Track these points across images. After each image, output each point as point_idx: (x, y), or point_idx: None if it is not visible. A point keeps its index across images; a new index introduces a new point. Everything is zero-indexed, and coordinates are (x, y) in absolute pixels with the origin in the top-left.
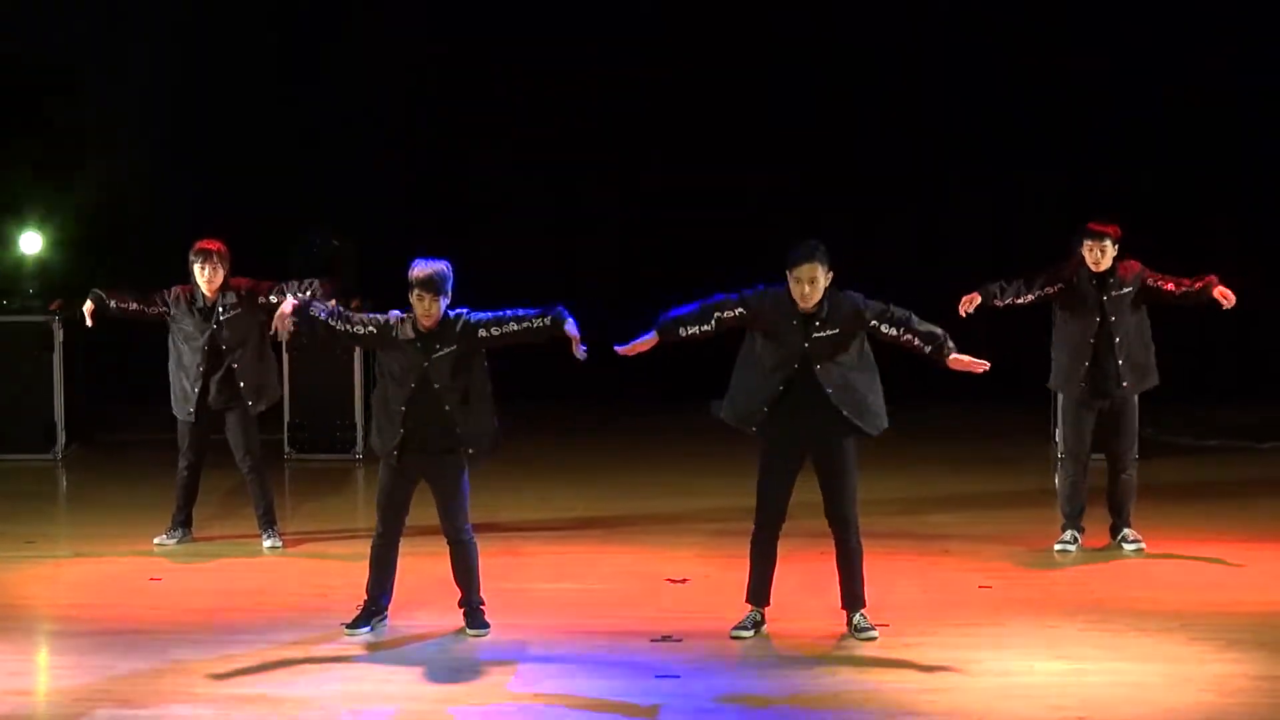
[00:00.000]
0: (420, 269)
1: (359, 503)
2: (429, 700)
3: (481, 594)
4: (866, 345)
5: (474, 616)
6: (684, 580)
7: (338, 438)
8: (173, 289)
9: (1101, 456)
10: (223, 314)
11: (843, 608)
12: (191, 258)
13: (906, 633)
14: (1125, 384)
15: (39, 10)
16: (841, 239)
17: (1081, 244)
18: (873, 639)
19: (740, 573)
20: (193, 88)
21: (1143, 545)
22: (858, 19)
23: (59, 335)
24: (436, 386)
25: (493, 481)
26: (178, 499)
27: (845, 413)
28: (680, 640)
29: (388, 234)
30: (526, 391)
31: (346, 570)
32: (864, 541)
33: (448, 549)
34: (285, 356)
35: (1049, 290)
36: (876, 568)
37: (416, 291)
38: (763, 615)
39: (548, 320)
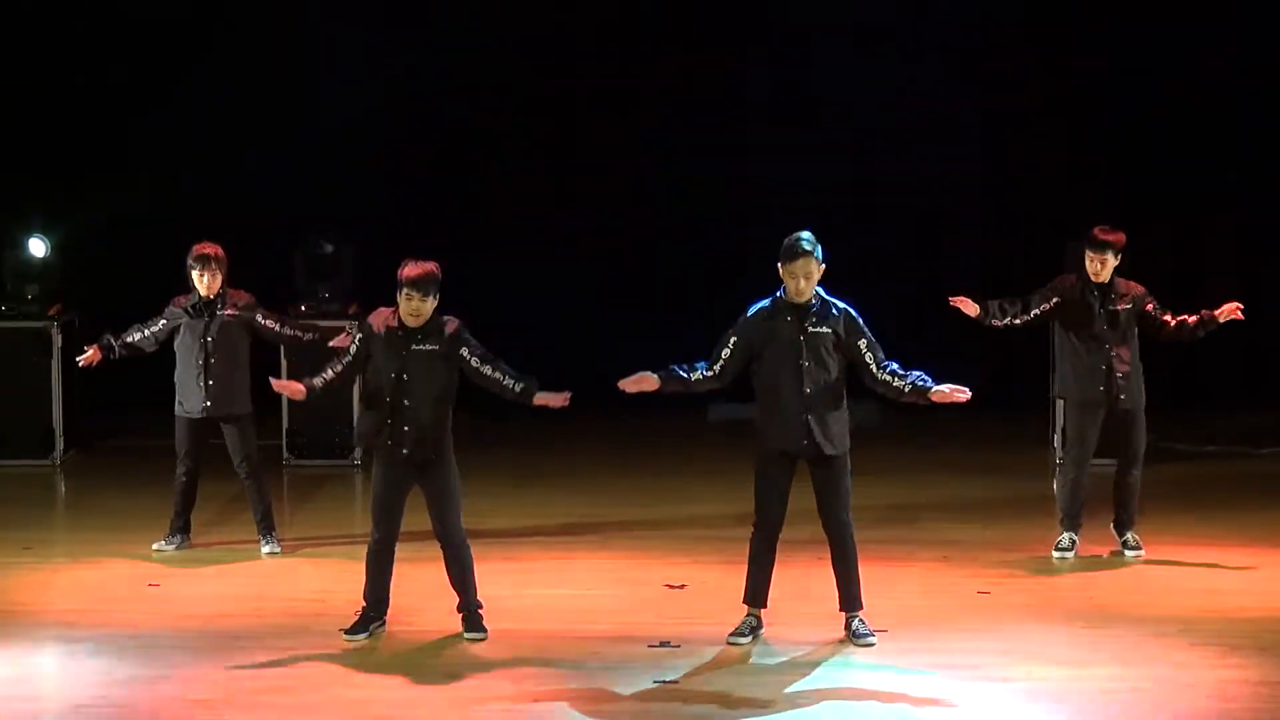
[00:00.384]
0: (411, 269)
1: (357, 508)
2: (428, 705)
3: (479, 598)
4: (843, 374)
5: (472, 620)
6: (682, 586)
7: (336, 444)
8: (175, 301)
9: (1102, 462)
10: (219, 310)
11: (841, 610)
12: (190, 263)
13: (905, 638)
14: (1130, 403)
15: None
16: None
17: (1083, 252)
18: (871, 645)
19: (738, 578)
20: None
21: (1142, 552)
22: None
23: (57, 340)
24: (407, 378)
25: (490, 487)
26: (176, 504)
27: (810, 420)
28: (678, 645)
29: (387, 237)
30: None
31: (345, 575)
32: (863, 547)
33: (442, 554)
34: (284, 363)
35: (1045, 308)
36: (875, 573)
37: (406, 291)
38: (760, 618)
39: (519, 389)
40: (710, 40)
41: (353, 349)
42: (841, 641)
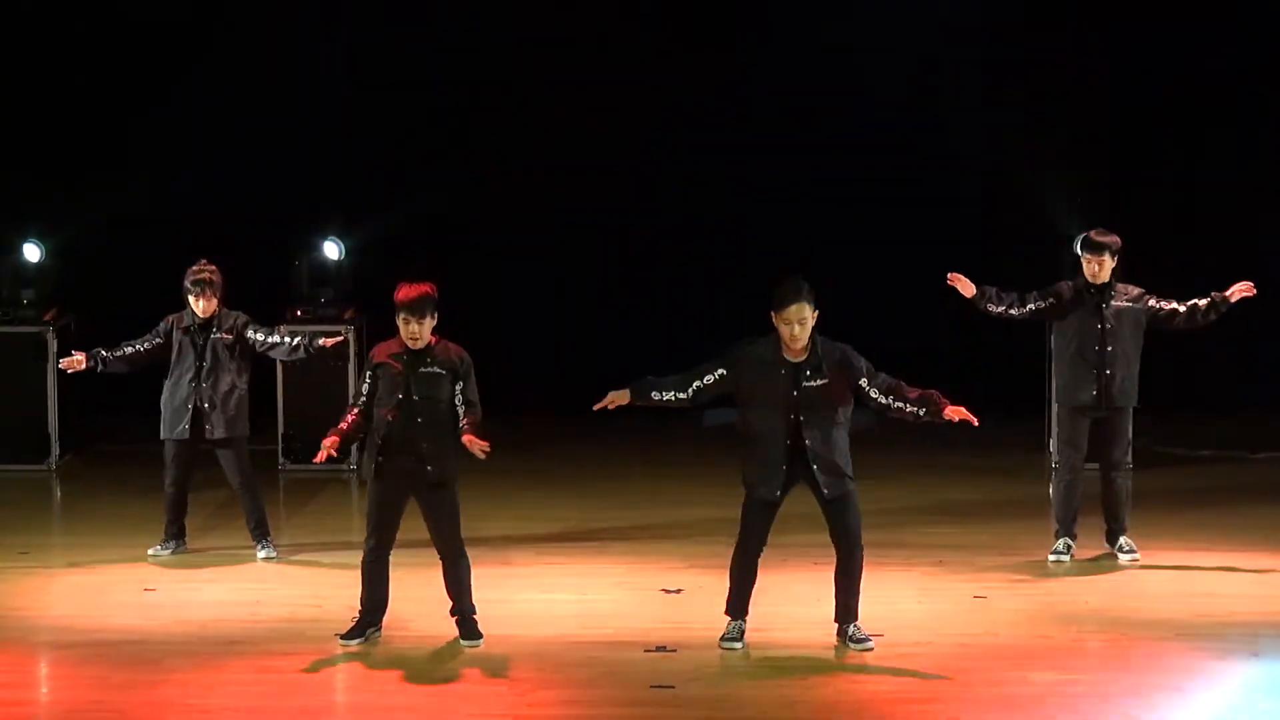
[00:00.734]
0: (404, 292)
1: (353, 513)
2: (424, 711)
3: (474, 603)
4: (850, 406)
5: (467, 626)
6: (678, 591)
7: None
8: (165, 320)
9: (1096, 465)
10: (214, 334)
11: (835, 620)
12: (186, 286)
13: (901, 642)
14: (1118, 405)
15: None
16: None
17: (1080, 255)
18: (869, 649)
19: None
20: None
21: (1137, 556)
22: None
23: (53, 345)
24: (416, 399)
25: (486, 493)
26: (167, 513)
27: (815, 467)
28: (675, 651)
29: (384, 244)
30: (518, 403)
31: (341, 580)
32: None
33: (440, 563)
34: (280, 367)
35: (1041, 306)
36: (871, 577)
37: (402, 315)
38: (745, 624)
39: (464, 425)
40: (709, 39)
41: (365, 389)
42: (835, 646)
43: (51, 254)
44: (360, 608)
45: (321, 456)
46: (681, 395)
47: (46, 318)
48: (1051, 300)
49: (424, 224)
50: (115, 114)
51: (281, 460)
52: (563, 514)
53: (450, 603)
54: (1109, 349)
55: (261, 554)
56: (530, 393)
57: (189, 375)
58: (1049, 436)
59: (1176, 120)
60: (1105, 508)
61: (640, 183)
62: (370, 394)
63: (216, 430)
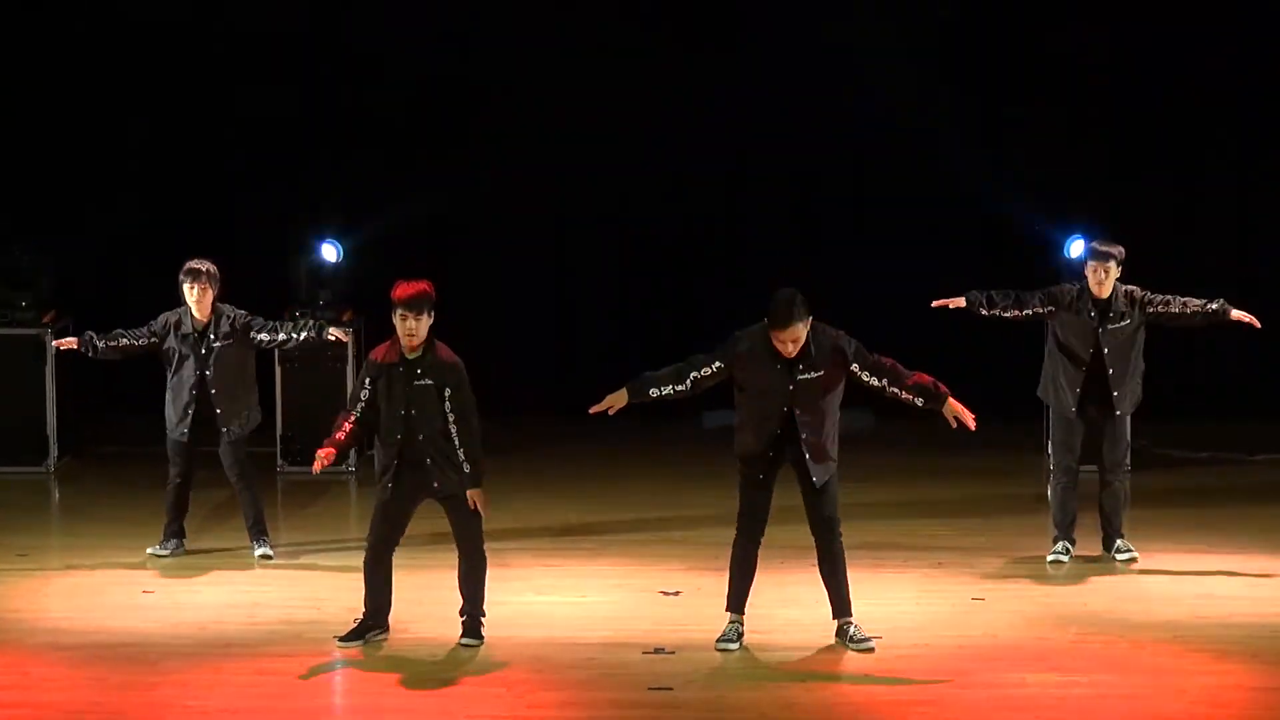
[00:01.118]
0: (402, 289)
1: (351, 514)
2: (422, 712)
3: (484, 606)
4: (840, 389)
5: (471, 626)
6: (677, 593)
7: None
8: (161, 316)
9: (1093, 468)
10: (214, 341)
11: (832, 617)
12: (181, 278)
13: (899, 644)
14: (1119, 412)
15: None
16: None
17: (1085, 264)
18: (870, 650)
19: None
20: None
21: (1135, 556)
22: None
23: (51, 348)
24: (414, 414)
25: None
26: (168, 511)
27: (808, 455)
28: (673, 652)
29: (383, 245)
30: (516, 404)
31: (339, 582)
32: (856, 553)
33: (457, 557)
34: (278, 369)
35: (1040, 311)
36: (869, 579)
37: (400, 311)
38: (743, 624)
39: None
40: (707, 38)
41: (364, 395)
42: (833, 647)
43: (52, 256)
44: (365, 610)
45: (317, 468)
46: (680, 388)
47: (45, 319)
48: (1050, 308)
49: (423, 225)
50: (113, 116)
51: (280, 462)
52: (561, 515)
53: (452, 605)
54: (1107, 370)
55: (258, 552)
56: (528, 394)
57: (191, 383)
58: (1047, 438)
59: (1176, 120)
60: (1102, 510)
61: (639, 184)
62: (369, 401)
63: (225, 428)
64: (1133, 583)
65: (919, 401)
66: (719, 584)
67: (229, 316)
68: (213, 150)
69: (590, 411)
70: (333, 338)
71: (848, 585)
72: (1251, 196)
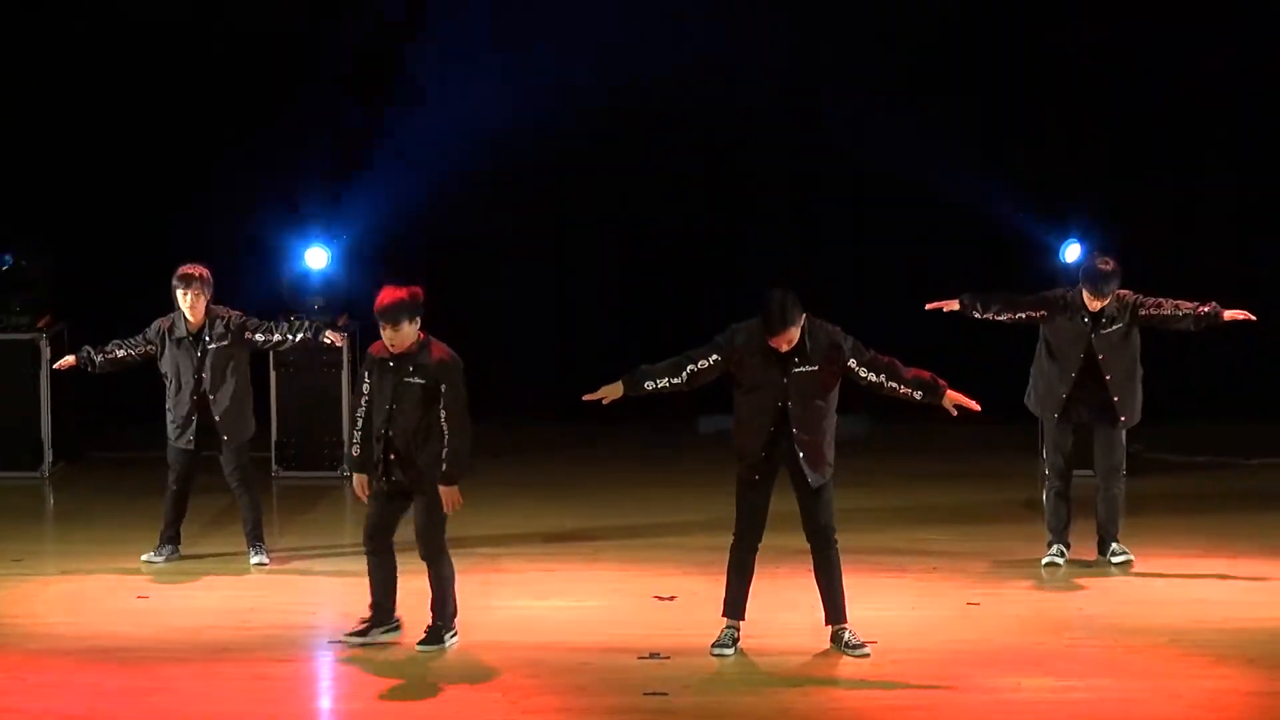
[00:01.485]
0: (379, 299)
1: (347, 520)
2: (417, 717)
3: (454, 608)
4: (836, 392)
5: (430, 631)
6: (672, 598)
7: (325, 455)
8: (154, 324)
9: (1089, 472)
10: (210, 343)
11: (826, 623)
12: (174, 284)
13: (894, 649)
14: (1122, 418)
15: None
16: None
17: (1081, 284)
18: (865, 656)
19: None
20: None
21: (1130, 558)
22: None
23: (46, 353)
24: (396, 407)
25: (479, 499)
26: (166, 516)
27: (802, 455)
28: (668, 658)
29: (374, 252)
30: (512, 408)
31: (334, 588)
32: (851, 558)
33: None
34: (273, 375)
35: (1033, 315)
36: (864, 584)
37: (380, 322)
38: (739, 630)
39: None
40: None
41: (364, 388)
42: (829, 653)
43: (48, 259)
44: (371, 609)
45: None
46: (676, 381)
47: (40, 325)
48: (1043, 311)
49: (421, 227)
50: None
51: (275, 467)
52: (556, 520)
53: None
54: (1102, 376)
55: (254, 560)
56: (524, 397)
57: (189, 389)
58: (1041, 441)
59: (1176, 120)
60: (1098, 515)
61: (637, 186)
62: (369, 396)
63: (222, 434)
64: (1128, 587)
65: (918, 395)
66: (714, 589)
67: (223, 318)
68: (210, 153)
69: (584, 399)
70: (328, 340)
71: (843, 592)
72: (1251, 197)
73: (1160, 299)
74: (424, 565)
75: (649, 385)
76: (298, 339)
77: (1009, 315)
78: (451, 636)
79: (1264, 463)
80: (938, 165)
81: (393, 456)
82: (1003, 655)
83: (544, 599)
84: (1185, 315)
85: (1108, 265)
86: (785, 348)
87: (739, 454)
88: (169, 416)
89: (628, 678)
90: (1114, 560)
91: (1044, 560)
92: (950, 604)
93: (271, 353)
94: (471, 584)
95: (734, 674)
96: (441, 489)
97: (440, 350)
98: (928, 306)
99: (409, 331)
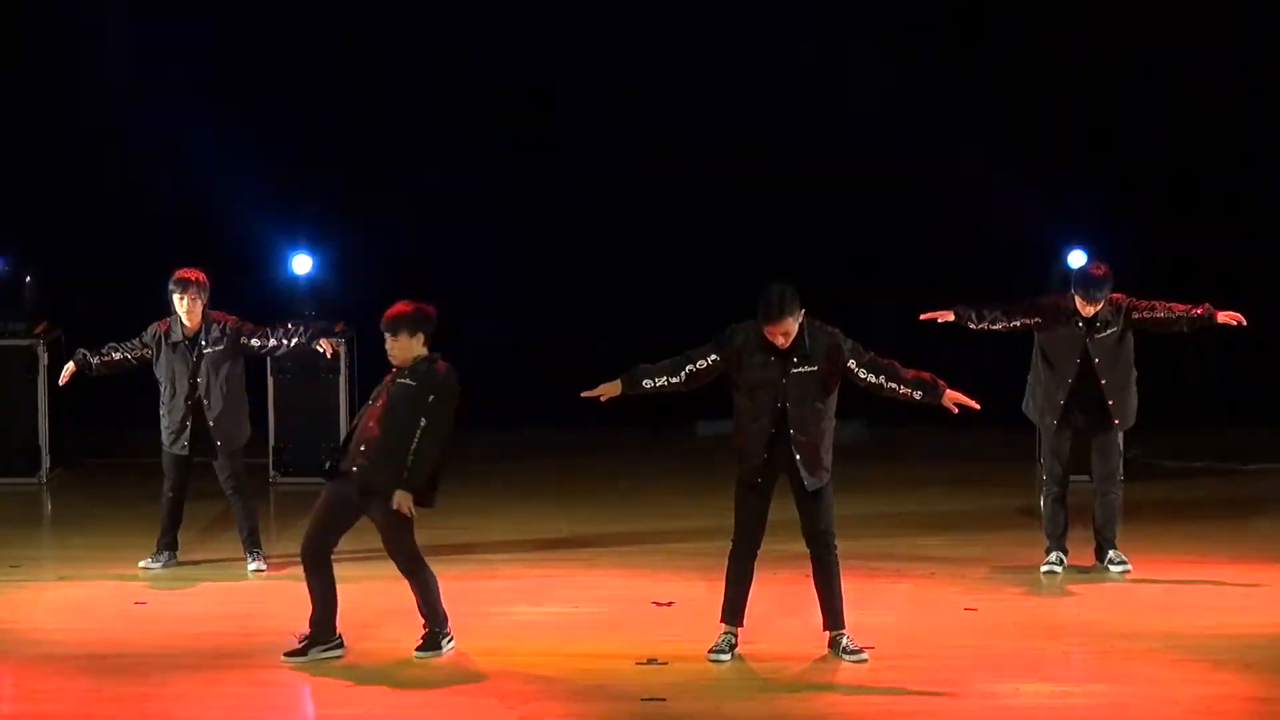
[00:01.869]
0: (389, 310)
1: None
2: None
3: (442, 615)
4: (835, 396)
5: (427, 639)
6: (670, 603)
7: (323, 460)
8: (150, 327)
9: (1086, 478)
10: (205, 347)
11: (824, 629)
12: (170, 287)
13: (892, 654)
14: (1117, 421)
15: None
16: None
17: (1073, 290)
18: (863, 661)
19: None
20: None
21: (1129, 567)
22: None
23: (44, 358)
24: (374, 403)
25: (477, 504)
26: (163, 522)
27: (799, 457)
28: (666, 663)
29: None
30: (510, 414)
31: None
32: (849, 563)
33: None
34: (270, 380)
35: (1027, 322)
36: (861, 589)
37: (383, 333)
38: (737, 636)
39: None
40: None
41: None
42: (826, 658)
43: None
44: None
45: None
46: (675, 380)
47: (37, 331)
48: (1037, 319)
49: (417, 233)
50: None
51: (272, 473)
52: (554, 526)
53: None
54: (1098, 380)
55: (251, 566)
56: (522, 404)
57: (184, 393)
58: (1039, 447)
59: (1176, 121)
60: (1095, 521)
61: (636, 186)
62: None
63: (216, 440)
64: (1125, 592)
65: (917, 395)
66: (712, 594)
67: (219, 323)
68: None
69: (581, 395)
70: (321, 348)
71: (841, 597)
72: (1250, 198)
73: (1153, 301)
74: (396, 578)
75: (647, 384)
76: (292, 344)
77: (1004, 324)
78: (448, 641)
79: (1261, 468)
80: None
81: (362, 448)
82: (1000, 661)
83: (542, 604)
84: (1179, 317)
85: (1100, 270)
86: (782, 340)
87: (739, 456)
88: (163, 422)
89: (626, 683)
90: (1112, 568)
91: (1042, 566)
92: (948, 610)
93: (269, 359)
94: (469, 590)
95: (732, 679)
96: (397, 493)
97: (443, 366)
98: (922, 317)
99: (408, 344)
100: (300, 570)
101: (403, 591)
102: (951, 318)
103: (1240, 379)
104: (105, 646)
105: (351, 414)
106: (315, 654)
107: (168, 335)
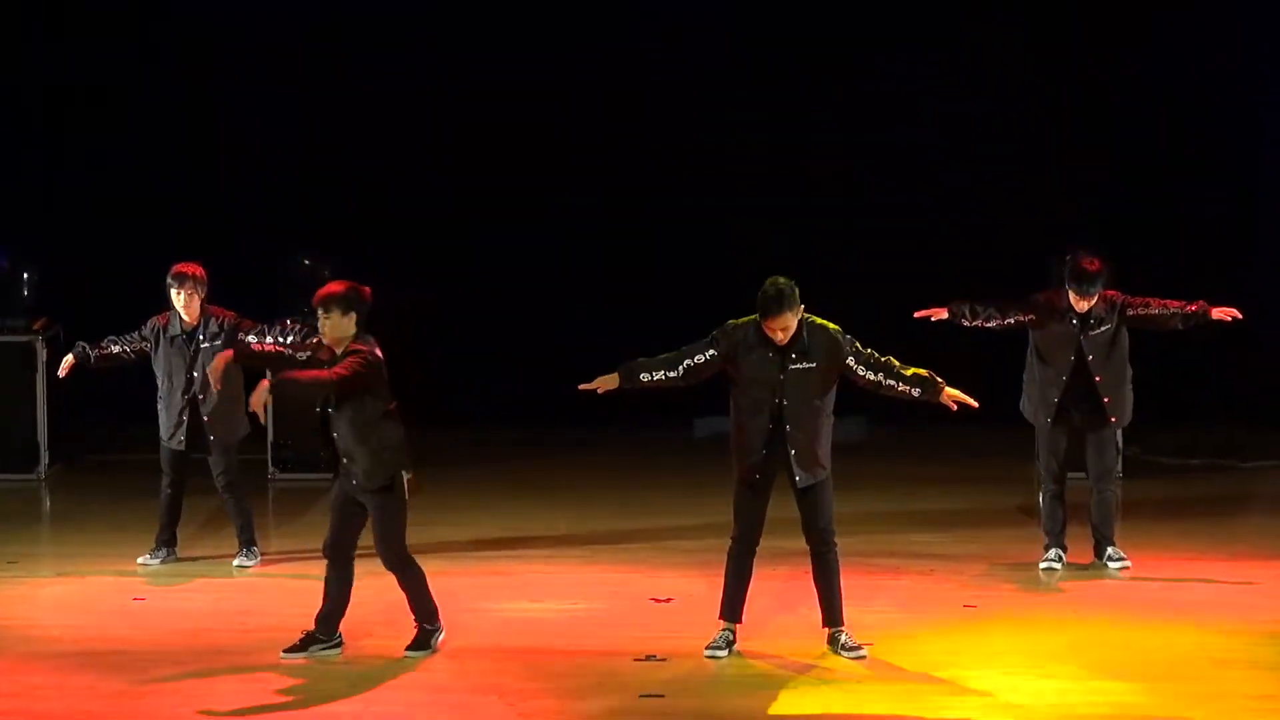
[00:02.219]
0: (320, 290)
1: None
2: None
3: (434, 614)
4: (833, 394)
5: (418, 636)
6: (668, 600)
7: (322, 457)
8: (149, 321)
9: (1083, 475)
10: (203, 342)
11: (823, 625)
12: (168, 282)
13: (891, 651)
14: (1113, 419)
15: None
16: None
17: (1066, 286)
18: (861, 658)
19: None
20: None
21: (1127, 564)
22: None
23: (42, 355)
24: (331, 410)
25: (476, 500)
26: (161, 519)
27: (793, 453)
28: (664, 660)
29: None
30: (509, 412)
31: None
32: (848, 560)
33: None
34: (269, 376)
35: (1021, 319)
36: (860, 586)
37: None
38: (735, 633)
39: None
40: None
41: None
42: (825, 654)
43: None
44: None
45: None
46: (672, 374)
47: (36, 327)
48: (1032, 315)
49: (415, 232)
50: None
51: (271, 470)
52: (552, 522)
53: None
54: (1092, 377)
55: (236, 562)
56: (521, 401)
57: (181, 388)
58: (1038, 445)
59: (1175, 125)
60: (1092, 518)
61: (634, 188)
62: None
63: (210, 434)
64: (1124, 590)
65: (916, 393)
66: (710, 591)
67: (218, 318)
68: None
69: (579, 389)
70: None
71: (841, 594)
72: (1245, 204)
73: (1148, 298)
74: (380, 575)
75: (644, 377)
76: (288, 341)
77: (998, 321)
78: (438, 636)
79: (1260, 465)
80: (932, 168)
81: (344, 460)
82: (999, 658)
83: (540, 601)
84: (1174, 314)
85: (1093, 265)
86: (780, 335)
87: (737, 454)
88: (161, 417)
89: (624, 680)
90: (1110, 565)
91: (1041, 563)
92: (947, 606)
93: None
94: (468, 586)
95: (730, 676)
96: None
97: (369, 346)
98: (916, 314)
99: (339, 323)
100: (299, 567)
101: (397, 588)
102: (945, 315)
103: (1239, 376)
104: (103, 643)
105: None
106: (314, 651)
107: (166, 329)
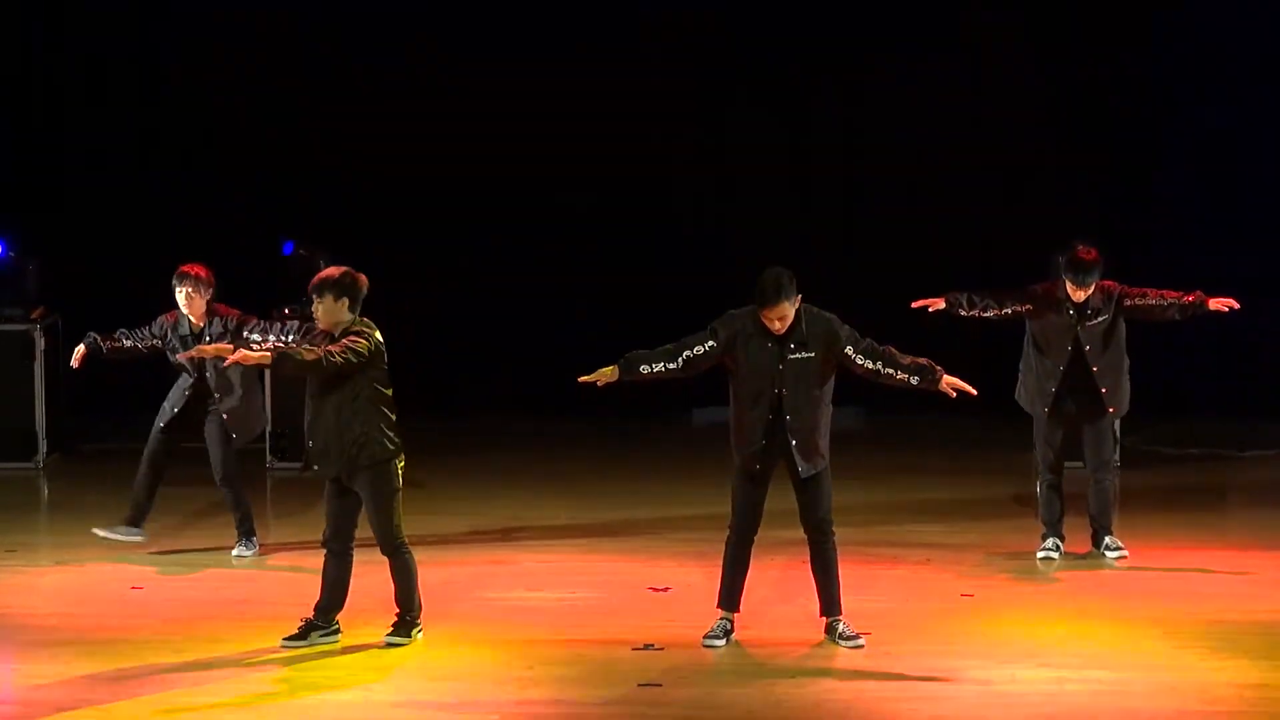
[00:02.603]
0: (316, 275)
1: None
2: (411, 708)
3: (417, 602)
4: (831, 383)
5: (398, 624)
6: (666, 589)
7: (308, 450)
8: (158, 319)
9: (1080, 464)
10: (209, 342)
11: (821, 615)
12: (173, 282)
13: (888, 641)
14: (1110, 409)
15: None
16: None
17: (1063, 275)
18: (859, 647)
19: None
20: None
21: (1125, 553)
22: None
23: (40, 343)
24: (323, 394)
25: (475, 490)
26: (136, 497)
27: (794, 443)
28: (662, 649)
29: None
30: (508, 400)
31: None
32: (845, 550)
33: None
34: (268, 375)
35: (1018, 309)
36: (858, 576)
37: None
38: (733, 622)
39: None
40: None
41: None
42: (823, 644)
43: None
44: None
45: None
46: (672, 366)
47: (34, 316)
48: (1029, 306)
49: (413, 226)
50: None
51: (270, 459)
52: (551, 511)
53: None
54: (1090, 368)
55: (234, 551)
56: (519, 391)
57: (188, 389)
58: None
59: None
60: (1090, 508)
61: (631, 185)
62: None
63: (230, 433)
64: (1122, 579)
65: (914, 381)
66: (709, 580)
67: (223, 317)
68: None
69: (579, 380)
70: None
71: (839, 584)
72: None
73: (1145, 289)
74: (382, 563)
75: (644, 369)
76: (290, 339)
77: (995, 311)
78: (418, 631)
79: (1257, 455)
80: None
81: (312, 441)
82: (997, 647)
83: (538, 590)
84: (1171, 304)
85: (1090, 255)
86: (778, 325)
87: (737, 444)
88: (165, 404)
89: (622, 669)
90: (1108, 555)
91: (1039, 553)
92: (944, 596)
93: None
94: (466, 575)
95: (728, 665)
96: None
97: (368, 328)
98: (913, 304)
99: (332, 308)
100: (298, 557)
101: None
102: (943, 305)
103: (1237, 366)
104: (101, 632)
105: None
106: (314, 639)
107: (176, 328)
